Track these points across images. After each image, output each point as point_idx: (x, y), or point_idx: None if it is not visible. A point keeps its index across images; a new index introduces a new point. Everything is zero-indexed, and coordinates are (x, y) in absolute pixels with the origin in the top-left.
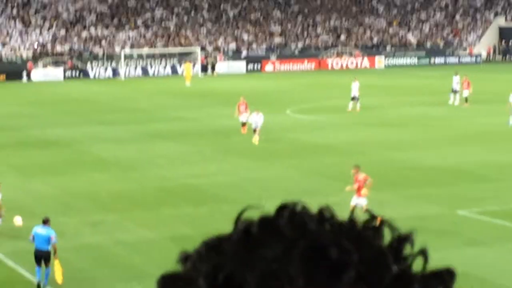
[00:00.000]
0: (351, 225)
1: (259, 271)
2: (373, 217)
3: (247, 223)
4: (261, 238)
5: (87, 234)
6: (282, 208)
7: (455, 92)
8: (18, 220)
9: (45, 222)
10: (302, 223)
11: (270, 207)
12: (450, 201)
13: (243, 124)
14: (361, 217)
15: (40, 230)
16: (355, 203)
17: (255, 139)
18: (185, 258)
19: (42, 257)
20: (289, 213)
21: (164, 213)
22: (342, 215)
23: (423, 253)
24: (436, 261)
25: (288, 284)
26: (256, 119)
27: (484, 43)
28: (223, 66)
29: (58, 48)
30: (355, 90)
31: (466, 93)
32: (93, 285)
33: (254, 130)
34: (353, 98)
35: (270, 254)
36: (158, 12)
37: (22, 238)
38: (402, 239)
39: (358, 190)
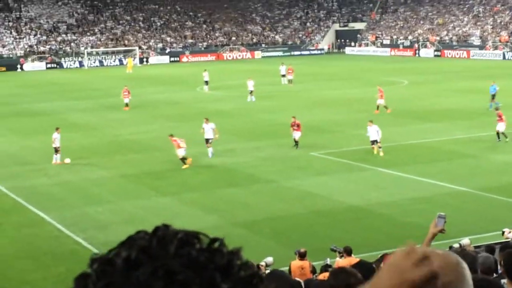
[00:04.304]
0: (189, 252)
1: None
2: (213, 240)
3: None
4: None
5: (65, 174)
6: (155, 233)
7: (283, 76)
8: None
9: None
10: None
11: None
12: (305, 147)
13: (126, 105)
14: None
15: None
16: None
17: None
18: (91, 262)
19: None
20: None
21: (116, 159)
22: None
23: (247, 265)
24: (300, 186)
25: None
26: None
27: (326, 41)
28: (154, 59)
29: (41, 48)
30: (206, 77)
31: (290, 76)
32: (64, 207)
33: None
34: (206, 83)
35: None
36: (109, 23)
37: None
38: (232, 256)
39: None
